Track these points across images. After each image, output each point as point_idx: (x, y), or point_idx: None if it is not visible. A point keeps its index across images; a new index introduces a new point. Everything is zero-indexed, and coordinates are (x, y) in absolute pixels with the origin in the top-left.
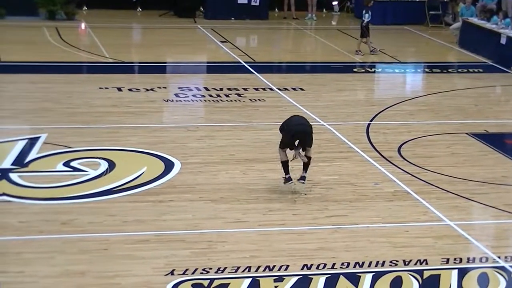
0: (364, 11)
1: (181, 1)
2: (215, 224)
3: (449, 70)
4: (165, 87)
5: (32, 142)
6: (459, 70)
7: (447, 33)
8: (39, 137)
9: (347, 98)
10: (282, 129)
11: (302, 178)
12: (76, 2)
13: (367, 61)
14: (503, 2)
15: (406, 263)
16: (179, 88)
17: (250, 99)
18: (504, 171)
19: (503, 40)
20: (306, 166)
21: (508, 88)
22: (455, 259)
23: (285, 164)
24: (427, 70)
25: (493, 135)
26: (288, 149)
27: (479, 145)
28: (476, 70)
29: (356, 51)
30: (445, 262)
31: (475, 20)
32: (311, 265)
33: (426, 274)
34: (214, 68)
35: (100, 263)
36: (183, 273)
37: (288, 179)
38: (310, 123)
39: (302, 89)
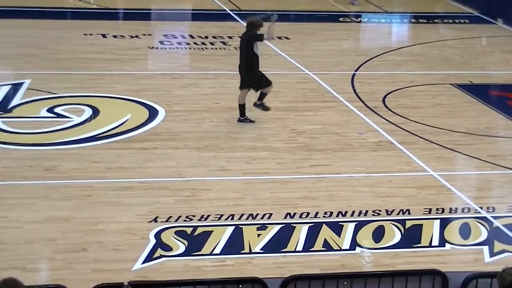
0: None
1: None
2: (199, 172)
3: (436, 20)
4: (150, 34)
5: (15, 87)
6: (446, 20)
7: None
8: (22, 82)
9: (333, 48)
10: None
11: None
12: None
13: (351, 11)
14: None
15: (389, 212)
16: (164, 35)
17: (235, 47)
18: (488, 122)
19: None
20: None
21: (494, 39)
22: (437, 209)
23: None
24: (413, 20)
25: (477, 86)
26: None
27: (464, 96)
28: (462, 21)
29: (352, 0)
30: (427, 212)
31: None
32: (294, 213)
33: (408, 224)
34: (199, 15)
35: (83, 210)
36: (167, 221)
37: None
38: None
39: (287, 38)
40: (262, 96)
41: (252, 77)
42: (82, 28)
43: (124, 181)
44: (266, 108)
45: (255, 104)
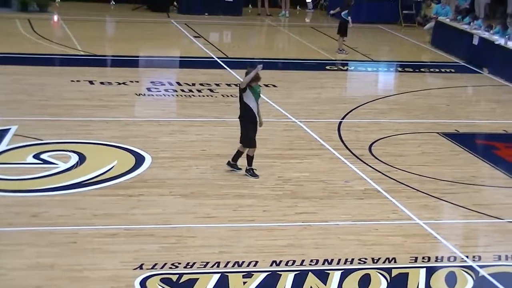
0: (347, 11)
1: None
2: (185, 219)
3: (422, 69)
4: (137, 81)
5: (2, 133)
6: (431, 69)
7: (420, 33)
8: (9, 128)
9: (319, 96)
10: None
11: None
12: None
13: (338, 59)
14: (475, 3)
15: (375, 261)
16: (151, 82)
17: (222, 95)
18: (474, 171)
19: (475, 41)
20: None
21: (479, 88)
22: (423, 258)
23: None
24: (399, 69)
25: (463, 135)
26: None
27: (450, 144)
28: (448, 70)
29: (340, 50)
30: (413, 261)
31: (447, 20)
32: (280, 261)
33: (394, 272)
34: (186, 63)
35: (69, 256)
36: (152, 268)
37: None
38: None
39: (274, 86)
40: (236, 156)
41: (246, 128)
42: (69, 75)
43: (110, 227)
44: (237, 169)
45: (228, 163)
